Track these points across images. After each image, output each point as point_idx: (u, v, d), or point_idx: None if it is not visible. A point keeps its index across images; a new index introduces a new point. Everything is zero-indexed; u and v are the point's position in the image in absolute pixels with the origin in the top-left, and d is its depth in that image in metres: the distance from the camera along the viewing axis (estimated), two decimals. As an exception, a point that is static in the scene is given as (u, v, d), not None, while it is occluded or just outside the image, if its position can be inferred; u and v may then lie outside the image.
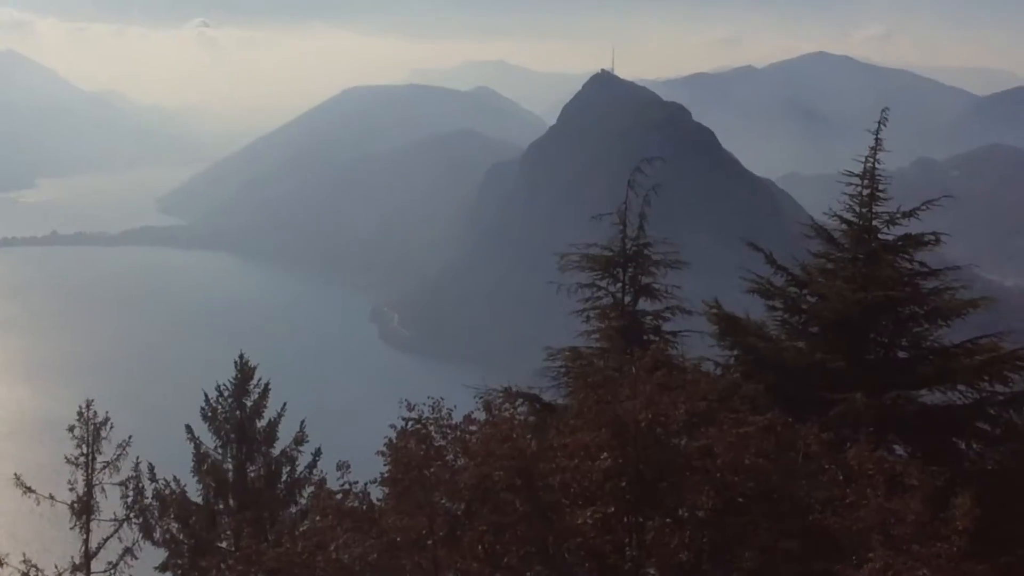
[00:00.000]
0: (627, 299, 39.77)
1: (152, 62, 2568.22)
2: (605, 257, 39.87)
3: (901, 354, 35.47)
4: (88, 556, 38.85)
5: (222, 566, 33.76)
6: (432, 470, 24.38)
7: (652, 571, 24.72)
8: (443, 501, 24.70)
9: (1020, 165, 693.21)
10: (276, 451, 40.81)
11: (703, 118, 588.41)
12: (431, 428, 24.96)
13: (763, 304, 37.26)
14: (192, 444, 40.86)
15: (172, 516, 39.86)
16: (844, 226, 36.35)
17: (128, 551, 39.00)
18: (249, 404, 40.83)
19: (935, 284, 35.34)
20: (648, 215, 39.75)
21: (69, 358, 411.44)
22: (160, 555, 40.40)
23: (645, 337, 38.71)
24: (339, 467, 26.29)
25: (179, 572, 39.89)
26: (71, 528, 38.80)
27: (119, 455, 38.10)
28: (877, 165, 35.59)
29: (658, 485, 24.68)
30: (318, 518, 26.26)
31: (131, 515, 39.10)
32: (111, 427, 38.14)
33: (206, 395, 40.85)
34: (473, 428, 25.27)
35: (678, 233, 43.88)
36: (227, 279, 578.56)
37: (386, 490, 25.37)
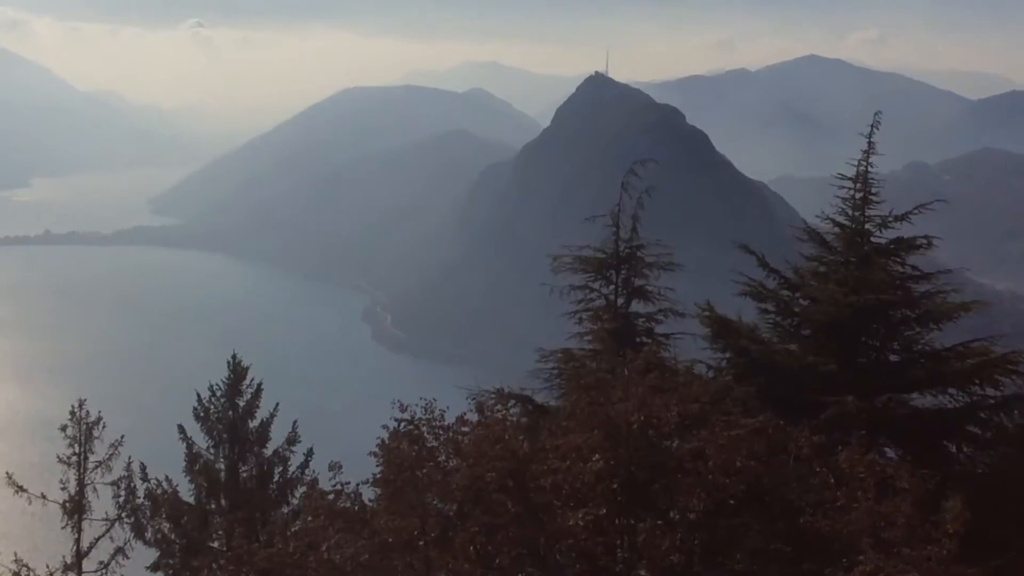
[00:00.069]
0: (620, 301, 39.84)
1: (147, 62, 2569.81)
2: (598, 259, 39.94)
3: (893, 357, 35.50)
4: (80, 555, 38.83)
5: (213, 566, 33.90)
6: (424, 471, 24.42)
7: (643, 573, 24.77)
8: (435, 502, 24.74)
9: (1012, 169, 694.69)
10: (268, 451, 40.86)
11: (696, 121, 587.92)
12: (423, 429, 25.00)
13: (755, 307, 37.29)
14: (184, 444, 40.93)
15: (164, 516, 39.88)
16: (836, 229, 36.39)
17: (120, 551, 38.96)
18: (242, 404, 40.88)
19: (927, 288, 35.40)
20: (641, 217, 39.82)
21: (61, 357, 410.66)
22: (152, 555, 40.42)
23: (638, 339, 38.76)
24: (331, 467, 26.26)
25: (170, 572, 39.92)
26: (63, 527, 38.75)
27: (111, 455, 38.09)
28: (870, 168, 35.64)
29: (650, 487, 24.73)
30: (310, 518, 26.32)
31: (123, 515, 39.08)
32: (103, 427, 38.12)
33: (199, 395, 40.89)
34: (465, 429, 25.33)
35: (671, 235, 43.90)
36: (220, 279, 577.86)
37: (378, 491, 25.41)
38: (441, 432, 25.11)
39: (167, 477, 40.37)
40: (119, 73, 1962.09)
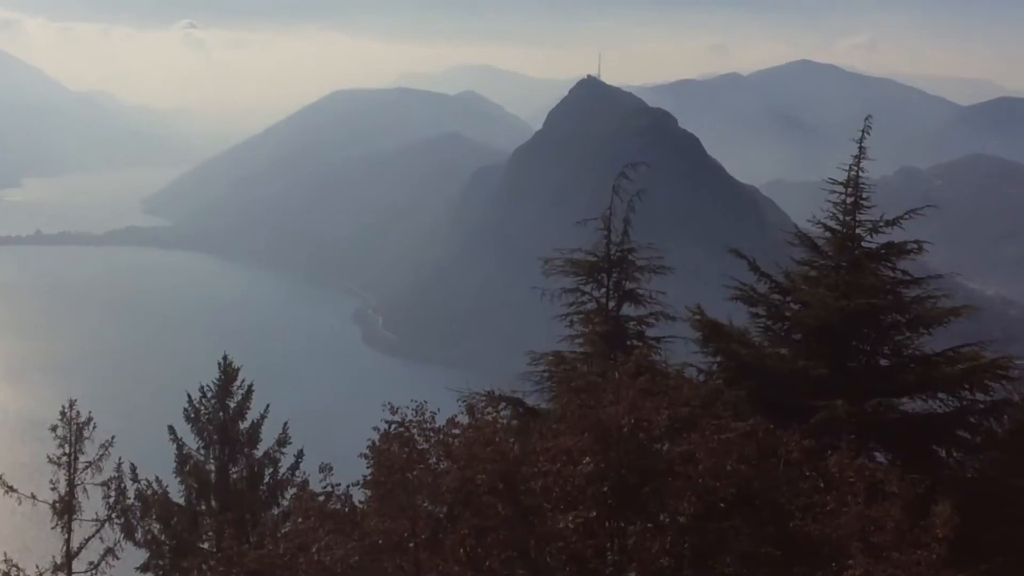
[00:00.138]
0: (611, 304, 39.83)
1: (139, 63, 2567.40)
2: (589, 262, 39.93)
3: (883, 362, 35.58)
4: (69, 556, 38.80)
5: (203, 567, 33.88)
6: (415, 473, 24.43)
7: (633, 576, 24.81)
8: (425, 504, 24.74)
9: (1003, 175, 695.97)
10: (259, 452, 40.85)
11: (688, 125, 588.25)
12: (414, 431, 24.99)
13: (746, 311, 37.35)
14: (175, 445, 40.89)
15: (154, 517, 39.86)
16: (827, 234, 36.46)
17: (110, 551, 38.98)
18: (232, 405, 40.86)
19: (917, 292, 35.49)
20: (632, 220, 39.82)
21: (52, 358, 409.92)
22: (141, 556, 40.39)
23: (628, 342, 38.78)
24: (322, 469, 26.28)
25: (160, 573, 39.90)
26: (53, 528, 38.75)
27: (101, 455, 38.09)
28: (861, 173, 35.72)
29: (640, 490, 24.75)
30: (300, 520, 26.29)
31: (113, 515, 39.08)
32: (94, 427, 38.11)
33: (189, 396, 40.87)
34: (456, 431, 25.34)
35: (662, 239, 43.96)
36: (212, 280, 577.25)
37: (369, 493, 25.42)
38: (432, 434, 25.11)
39: (157, 478, 40.36)
40: (111, 73, 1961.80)
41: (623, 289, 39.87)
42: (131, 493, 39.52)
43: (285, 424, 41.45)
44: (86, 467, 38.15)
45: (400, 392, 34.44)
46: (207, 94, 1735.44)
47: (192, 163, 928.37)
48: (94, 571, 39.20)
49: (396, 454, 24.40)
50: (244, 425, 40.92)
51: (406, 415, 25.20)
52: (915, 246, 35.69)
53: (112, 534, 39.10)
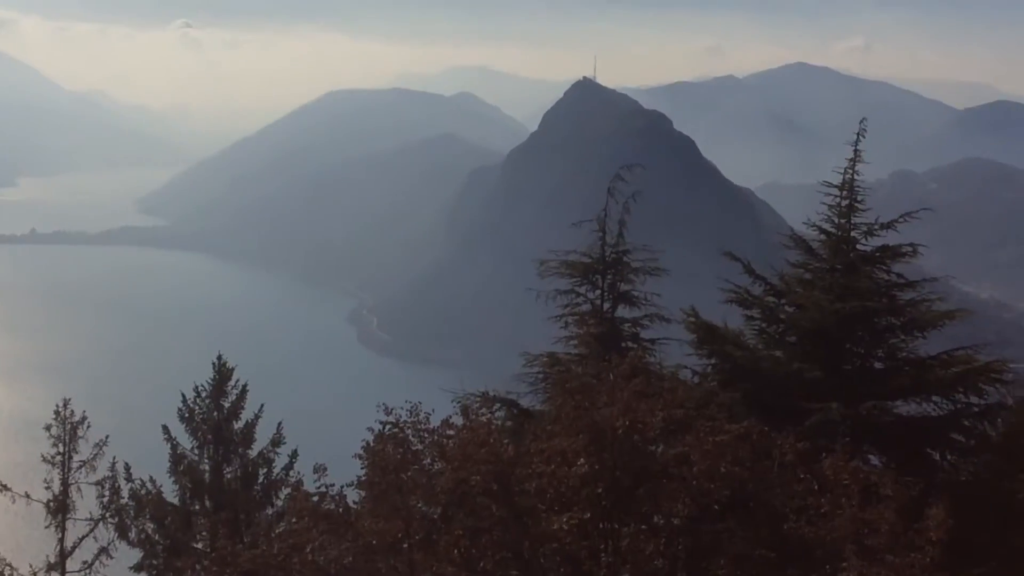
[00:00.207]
0: (606, 306, 39.88)
1: (136, 62, 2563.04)
2: (584, 264, 39.98)
3: (877, 365, 35.63)
4: (63, 555, 38.77)
5: (197, 567, 33.80)
6: (409, 474, 24.42)
7: (627, 577, 24.80)
8: (419, 505, 24.74)
9: (998, 179, 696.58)
10: (253, 452, 40.82)
11: (684, 127, 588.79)
12: (408, 432, 24.99)
13: (741, 313, 37.38)
14: (169, 444, 40.86)
15: (148, 516, 39.84)
16: (823, 236, 36.52)
17: (103, 551, 38.94)
18: (227, 405, 40.85)
19: (912, 295, 35.52)
20: (627, 222, 39.90)
21: (46, 357, 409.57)
22: (135, 555, 40.37)
23: (623, 344, 38.81)
24: (316, 470, 26.26)
25: (154, 572, 39.87)
26: (46, 527, 38.70)
27: (95, 454, 38.04)
28: (856, 176, 35.78)
29: (634, 492, 24.76)
30: (294, 520, 26.29)
31: (107, 515, 39.04)
32: (88, 426, 38.07)
33: (183, 396, 40.86)
34: (450, 432, 25.33)
35: (657, 241, 43.89)
36: (207, 280, 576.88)
37: (363, 493, 25.40)
38: (426, 435, 25.11)
39: (151, 477, 40.36)
40: (107, 73, 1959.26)
41: (618, 291, 39.92)
42: (125, 492, 39.48)
43: (279, 424, 41.45)
44: (80, 466, 38.11)
45: (395, 393, 34.41)
46: (203, 94, 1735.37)
47: (188, 163, 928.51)
48: (88, 570, 39.15)
49: (390, 455, 24.39)
50: (238, 425, 40.91)
51: (400, 416, 25.19)
52: (910, 249, 35.74)
53: (106, 533, 39.05)
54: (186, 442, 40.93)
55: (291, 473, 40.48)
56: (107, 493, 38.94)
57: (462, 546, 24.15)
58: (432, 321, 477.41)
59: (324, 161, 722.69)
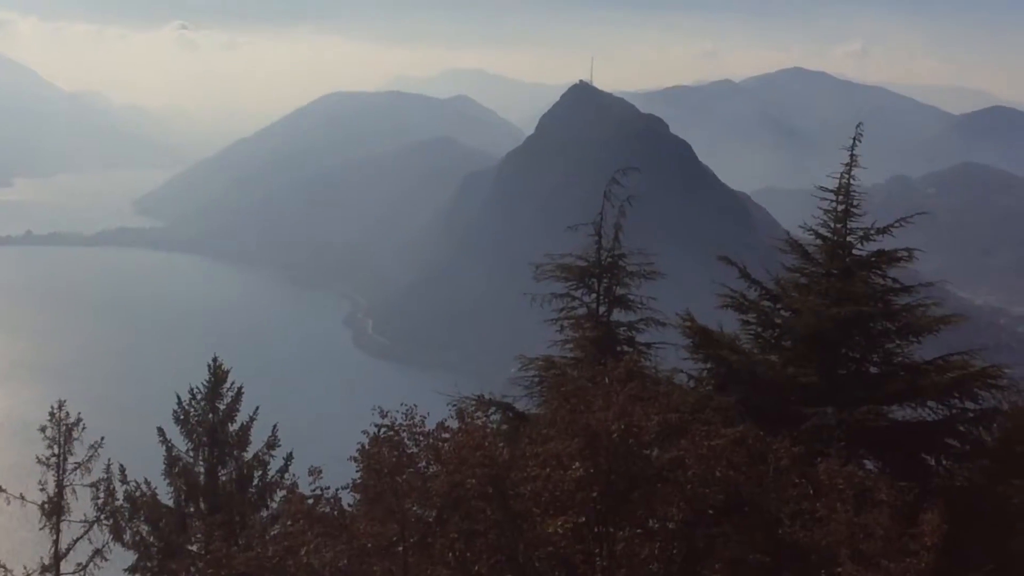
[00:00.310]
0: (601, 310, 39.84)
1: (132, 64, 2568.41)
2: (580, 267, 39.94)
3: (873, 370, 35.60)
4: (58, 557, 38.67)
5: (192, 569, 33.82)
6: (404, 477, 24.42)
7: (622, 581, 24.80)
8: (414, 508, 24.73)
9: (994, 184, 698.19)
10: (248, 455, 40.70)
11: (680, 131, 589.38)
12: (404, 435, 24.99)
13: (737, 318, 37.37)
14: (164, 447, 40.78)
15: (142, 518, 39.73)
16: (819, 241, 36.50)
17: (98, 553, 38.84)
18: (222, 407, 40.73)
19: (907, 300, 35.52)
20: (623, 226, 39.84)
21: (41, 358, 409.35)
22: (130, 557, 40.24)
23: (619, 348, 38.76)
24: (311, 472, 26.25)
25: (148, 574, 39.77)
26: (41, 529, 38.60)
27: (90, 456, 37.96)
28: (852, 181, 35.77)
29: (629, 496, 24.77)
30: (289, 523, 26.28)
31: (101, 517, 38.94)
32: (83, 428, 37.98)
33: (179, 398, 40.74)
34: (446, 436, 25.32)
35: (653, 245, 43.84)
36: (203, 282, 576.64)
37: (358, 496, 25.39)
38: (421, 438, 25.11)
39: (146, 479, 40.24)
40: (103, 74, 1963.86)
41: (614, 294, 39.89)
42: (120, 494, 39.38)
43: (275, 427, 41.35)
44: (75, 468, 38.02)
45: (390, 396, 34.39)
46: (200, 95, 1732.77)
47: (185, 164, 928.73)
48: (82, 572, 39.05)
49: (385, 458, 24.39)
50: (233, 427, 40.81)
51: (396, 419, 25.20)
52: (906, 254, 35.74)
53: (100, 535, 38.96)
54: (181, 444, 40.82)
55: (286, 476, 40.38)
56: (102, 495, 38.85)
57: (457, 549, 24.15)
58: (428, 324, 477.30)
59: (321, 163, 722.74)
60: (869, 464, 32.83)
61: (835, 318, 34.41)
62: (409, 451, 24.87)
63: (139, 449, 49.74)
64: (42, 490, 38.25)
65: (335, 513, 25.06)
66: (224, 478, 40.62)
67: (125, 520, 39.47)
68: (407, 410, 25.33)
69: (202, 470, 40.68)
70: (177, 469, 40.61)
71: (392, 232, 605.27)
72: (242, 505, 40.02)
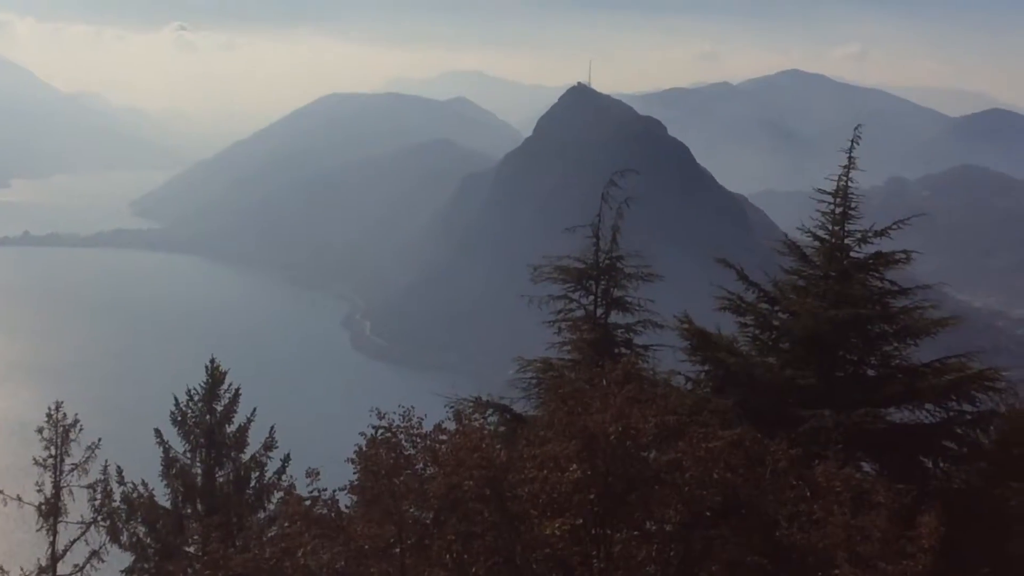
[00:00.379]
0: (599, 311, 39.86)
1: (130, 65, 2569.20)
2: (578, 269, 39.96)
3: (870, 372, 35.62)
4: (55, 558, 38.63)
5: (189, 571, 33.77)
6: (401, 479, 24.42)
7: (619, 583, 24.79)
8: (412, 510, 24.72)
9: (992, 187, 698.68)
10: (245, 456, 40.72)
11: (678, 133, 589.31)
12: (401, 437, 24.97)
13: (734, 320, 37.38)
14: (161, 448, 40.77)
15: (140, 520, 39.74)
16: (816, 243, 36.52)
17: (95, 554, 38.78)
18: (219, 409, 40.75)
19: (905, 303, 35.56)
20: (621, 228, 39.86)
21: (38, 359, 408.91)
22: (127, 559, 40.27)
23: (616, 350, 38.77)
24: (308, 474, 26.22)
25: (145, 576, 39.79)
26: (38, 530, 38.56)
27: (87, 457, 37.90)
28: (850, 183, 35.79)
29: (627, 498, 24.75)
30: (286, 524, 26.28)
31: (98, 518, 38.89)
32: (80, 429, 37.92)
33: (176, 399, 40.75)
34: (443, 437, 25.30)
35: (651, 247, 43.94)
36: (201, 283, 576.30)
37: (355, 498, 25.38)
38: (419, 440, 25.08)
39: (143, 481, 40.23)
40: (102, 75, 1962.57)
41: (611, 297, 39.91)
42: (117, 496, 39.35)
43: (272, 428, 41.34)
44: (72, 469, 37.97)
45: (388, 397, 34.44)
46: (198, 97, 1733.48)
47: (182, 166, 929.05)
48: (79, 574, 38.99)
49: (383, 459, 24.38)
50: (231, 429, 40.82)
51: (393, 420, 25.19)
52: (903, 256, 35.76)
53: (97, 537, 38.91)
54: (178, 445, 40.82)
55: (283, 477, 40.37)
56: (99, 496, 38.81)
57: (454, 551, 24.14)
58: (426, 326, 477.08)
59: (319, 165, 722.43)
60: (867, 466, 32.88)
61: (833, 320, 34.42)
62: (407, 453, 24.86)
63: (136, 450, 49.70)
64: (39, 491, 38.20)
65: (332, 515, 25.05)
66: (221, 479, 40.63)
67: (122, 521, 39.46)
68: (404, 412, 25.32)
69: (199, 471, 40.68)
70: (174, 470, 40.61)
71: (391, 233, 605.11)
72: (239, 506, 40.02)
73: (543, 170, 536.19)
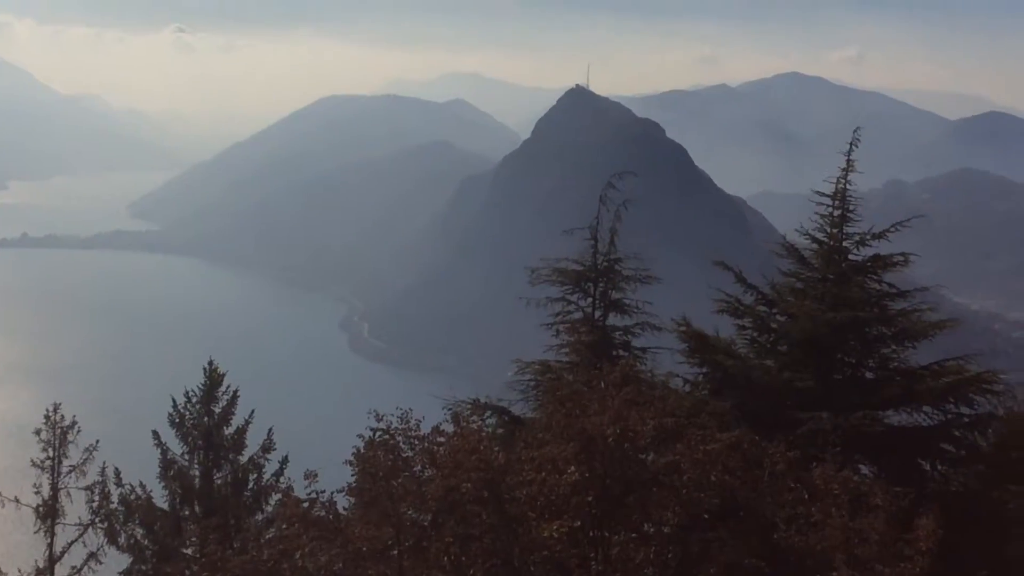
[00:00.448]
0: (597, 314, 39.84)
1: (129, 66, 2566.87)
2: (576, 271, 39.95)
3: (868, 374, 35.62)
4: (52, 560, 38.64)
5: (186, 572, 33.75)
6: (399, 481, 24.41)
7: (617, 586, 24.78)
8: (410, 512, 24.70)
9: (990, 190, 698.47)
10: (243, 458, 40.71)
11: (677, 136, 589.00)
12: (399, 439, 24.97)
13: (732, 322, 37.36)
14: (159, 450, 40.76)
15: (137, 521, 39.72)
16: (815, 246, 36.52)
17: (92, 556, 38.79)
18: (217, 411, 40.73)
19: (903, 305, 35.55)
20: (619, 230, 39.84)
21: (36, 361, 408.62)
22: (124, 560, 40.25)
23: (614, 352, 38.77)
24: (306, 476, 26.18)
25: (143, 578, 39.76)
26: (35, 532, 38.57)
27: (85, 459, 37.92)
28: (848, 186, 35.79)
29: (625, 500, 24.75)
30: (284, 526, 26.24)
31: (96, 520, 38.90)
32: (78, 431, 37.96)
33: (174, 401, 40.73)
34: (441, 439, 25.29)
35: (649, 249, 43.85)
36: (199, 285, 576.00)
37: (353, 500, 25.37)
38: (417, 442, 25.08)
39: (141, 483, 40.21)
40: (101, 77, 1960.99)
41: (609, 299, 39.89)
42: (115, 497, 39.36)
43: (270, 430, 41.32)
44: (70, 471, 37.99)
45: (386, 399, 34.43)
46: (197, 98, 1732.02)
47: (181, 167, 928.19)
48: (76, 575, 39.04)
49: (381, 461, 24.38)
50: (229, 431, 40.81)
51: (391, 422, 25.18)
52: (901, 259, 35.77)
53: (95, 538, 38.92)
54: (176, 447, 40.81)
55: (281, 479, 40.35)
56: (97, 498, 38.82)
57: (452, 553, 24.13)
58: (424, 328, 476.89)
59: (318, 166, 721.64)
60: (864, 469, 32.88)
61: (831, 323, 34.42)
62: (405, 455, 24.86)
63: (134, 452, 49.64)
64: (37, 493, 38.21)
65: (330, 517, 25.04)
66: (219, 481, 40.62)
67: (120, 523, 39.45)
68: (403, 414, 25.32)
69: (197, 473, 40.67)
70: (172, 472, 40.59)
71: (389, 235, 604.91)
72: (237, 508, 40.00)
73: (541, 172, 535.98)
